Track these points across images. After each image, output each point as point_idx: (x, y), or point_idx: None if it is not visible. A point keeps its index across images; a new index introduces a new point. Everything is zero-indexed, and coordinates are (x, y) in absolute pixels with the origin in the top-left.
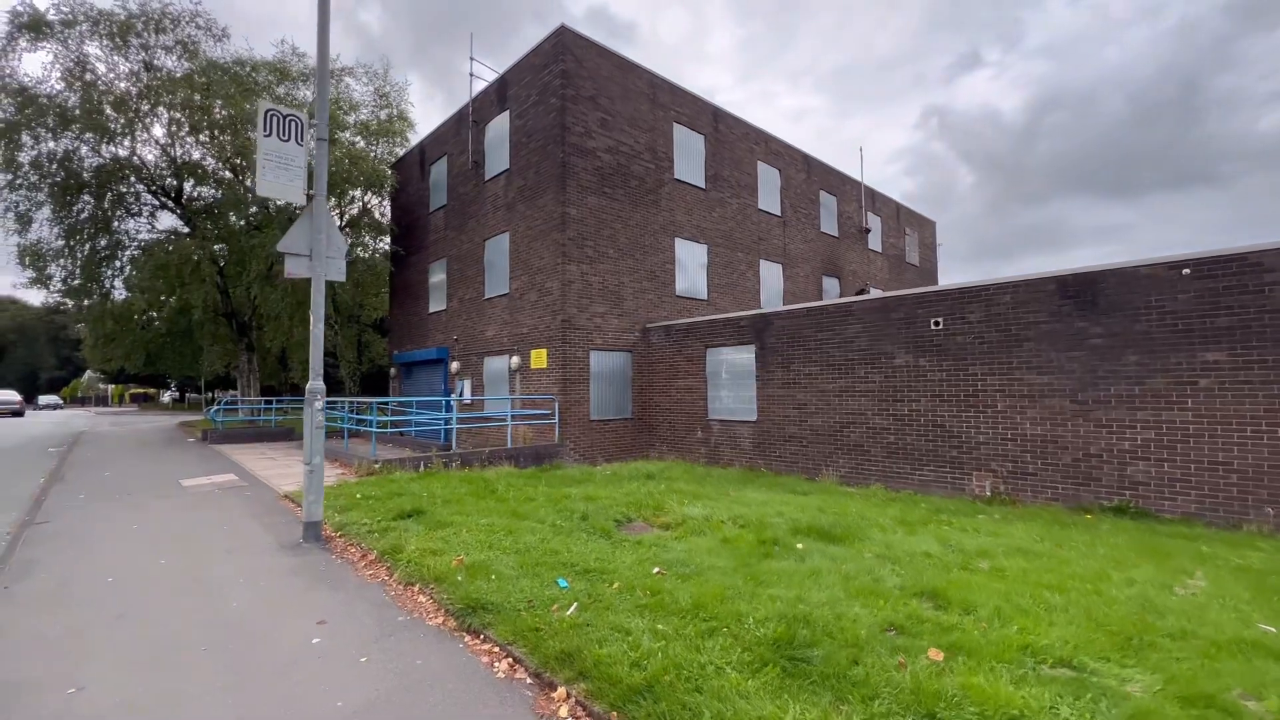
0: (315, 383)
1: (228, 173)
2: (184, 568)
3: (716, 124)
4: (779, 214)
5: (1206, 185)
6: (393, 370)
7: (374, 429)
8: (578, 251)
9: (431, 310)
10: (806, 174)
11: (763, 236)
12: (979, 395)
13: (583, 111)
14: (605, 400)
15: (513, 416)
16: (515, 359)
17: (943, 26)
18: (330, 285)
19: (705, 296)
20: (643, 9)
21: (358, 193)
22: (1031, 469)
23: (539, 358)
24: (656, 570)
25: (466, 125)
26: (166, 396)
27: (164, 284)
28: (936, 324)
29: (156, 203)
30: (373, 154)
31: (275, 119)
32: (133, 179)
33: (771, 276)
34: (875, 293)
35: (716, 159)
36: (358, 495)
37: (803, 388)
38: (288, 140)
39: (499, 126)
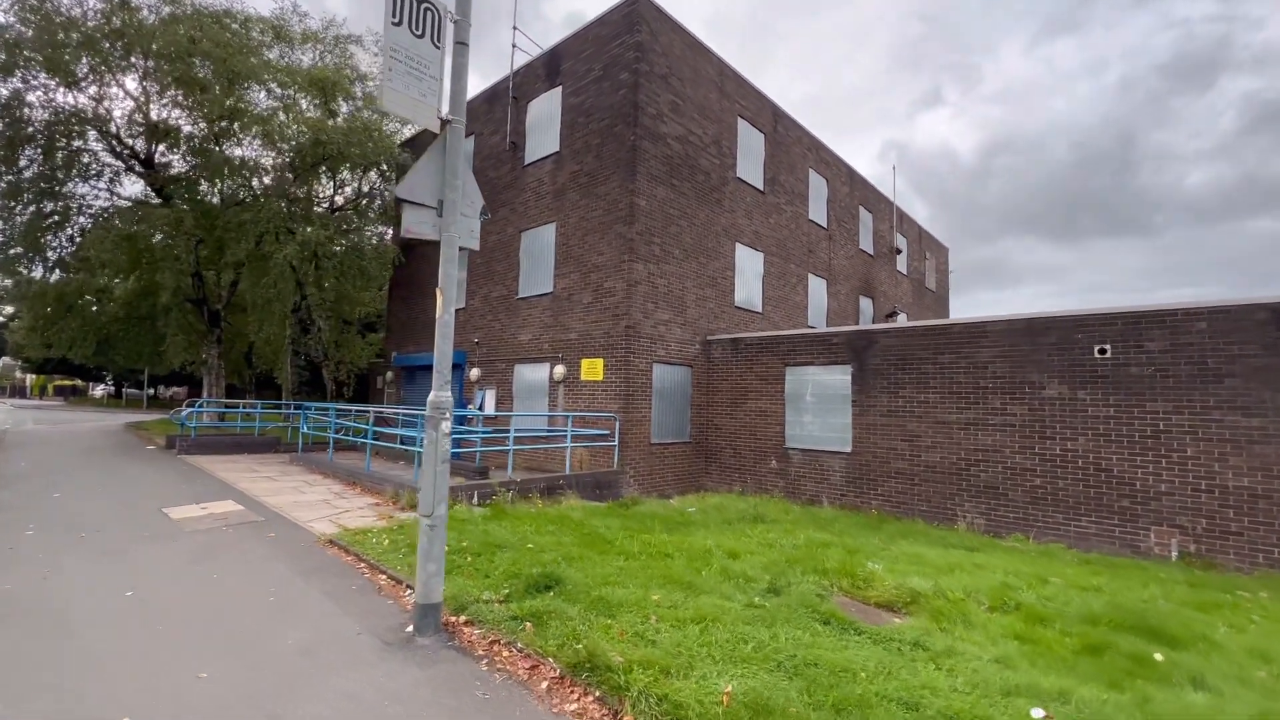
0: (442, 394)
1: (209, 141)
2: (247, 695)
3: (776, 124)
4: (825, 227)
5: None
6: (389, 374)
7: (409, 445)
8: (645, 249)
9: None
10: (850, 187)
11: (811, 249)
12: (1161, 437)
13: (656, 91)
14: (665, 421)
15: (572, 437)
16: (560, 369)
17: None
18: (303, 271)
19: (760, 309)
20: None
21: (359, 173)
22: (1235, 528)
23: (592, 368)
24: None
25: (503, 102)
26: (99, 391)
27: (128, 259)
28: (1102, 351)
29: (120, 165)
30: (386, 129)
31: (407, 3)
32: (91, 135)
33: (817, 292)
34: (901, 318)
35: (774, 161)
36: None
37: (916, 417)
38: (421, 36)
39: (546, 104)
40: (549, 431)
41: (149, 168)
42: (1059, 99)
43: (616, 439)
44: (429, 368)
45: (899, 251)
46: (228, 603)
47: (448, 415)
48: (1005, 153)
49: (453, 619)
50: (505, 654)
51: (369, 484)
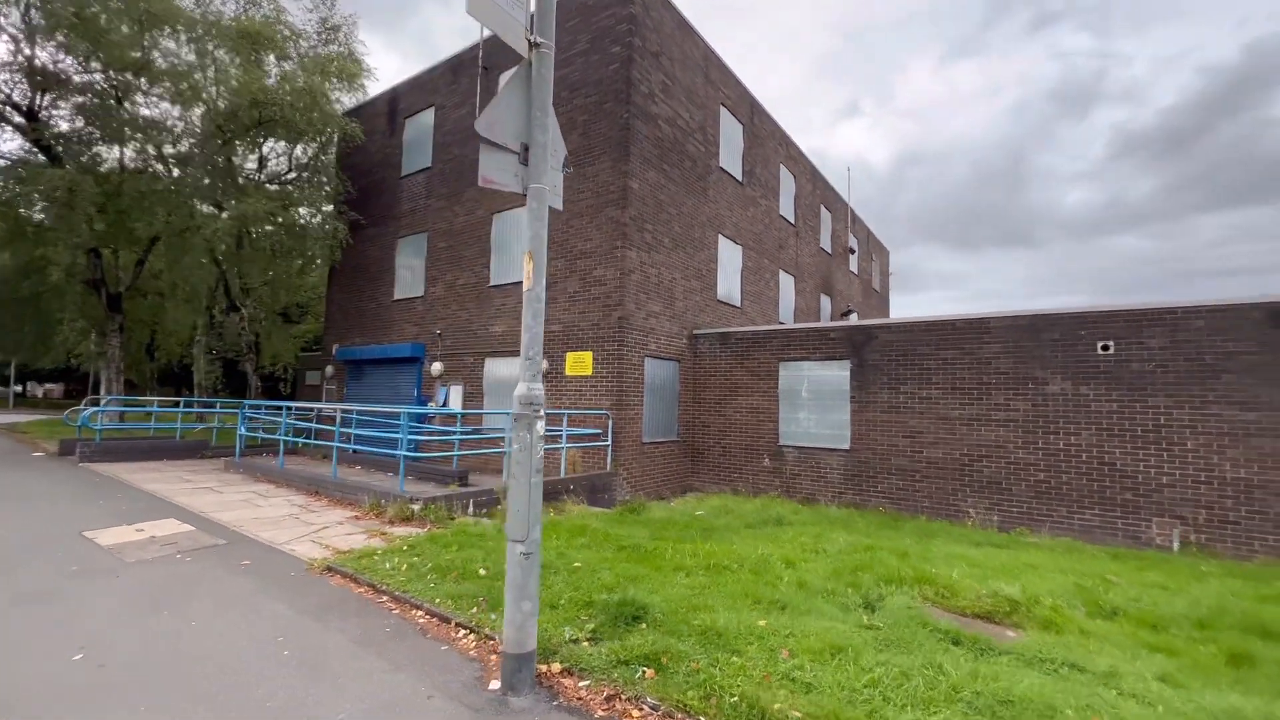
0: (532, 386)
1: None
2: None
3: (753, 115)
4: (794, 223)
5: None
6: (329, 369)
7: (403, 452)
8: (638, 235)
9: (398, 297)
10: (813, 185)
11: (783, 245)
12: (1162, 431)
13: (648, 69)
14: (656, 419)
15: (566, 437)
16: (541, 363)
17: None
18: (230, 250)
19: (739, 304)
20: None
21: (304, 143)
22: (1233, 517)
23: (579, 362)
24: None
25: (470, 72)
26: None
27: (6, 229)
28: (1105, 348)
29: None
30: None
31: None
32: None
33: (787, 288)
34: (853, 317)
35: (751, 154)
36: (480, 571)
37: (917, 413)
38: None
39: None
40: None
41: (32, 120)
42: (960, 118)
43: (610, 438)
44: (380, 362)
45: (853, 251)
46: (229, 662)
47: (541, 414)
48: (915, 165)
49: (543, 667)
50: (634, 713)
51: (338, 494)
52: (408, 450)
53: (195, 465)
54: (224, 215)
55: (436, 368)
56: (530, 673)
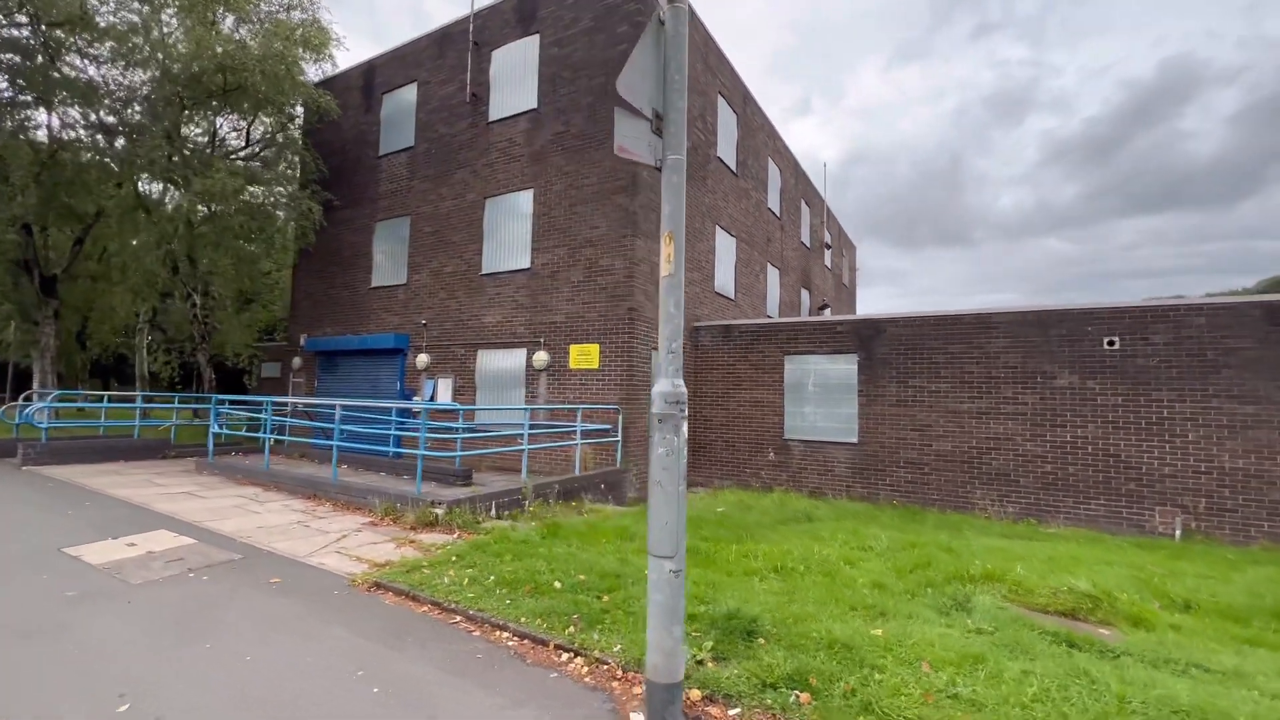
0: (676, 383)
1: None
2: None
3: (745, 105)
4: (779, 217)
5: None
6: (296, 361)
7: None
8: (646, 224)
9: (376, 284)
10: (795, 179)
11: (770, 238)
12: (1165, 424)
13: None
14: None
15: (581, 433)
16: (542, 355)
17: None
18: (187, 231)
19: (733, 296)
20: None
21: (270, 114)
22: (1231, 505)
23: (584, 355)
24: None
25: (458, 47)
26: None
27: None
28: (1110, 343)
29: None
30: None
31: None
32: None
33: (773, 282)
34: (827, 312)
35: (744, 145)
36: (554, 584)
37: (926, 406)
38: None
39: (516, 54)
40: (547, 428)
41: None
42: (905, 119)
43: (620, 434)
44: (357, 353)
45: (829, 247)
46: (313, 704)
47: (682, 411)
48: (862, 164)
49: (703, 706)
50: None
51: (342, 498)
52: (401, 449)
53: (160, 467)
54: (185, 192)
55: (423, 360)
56: (679, 704)
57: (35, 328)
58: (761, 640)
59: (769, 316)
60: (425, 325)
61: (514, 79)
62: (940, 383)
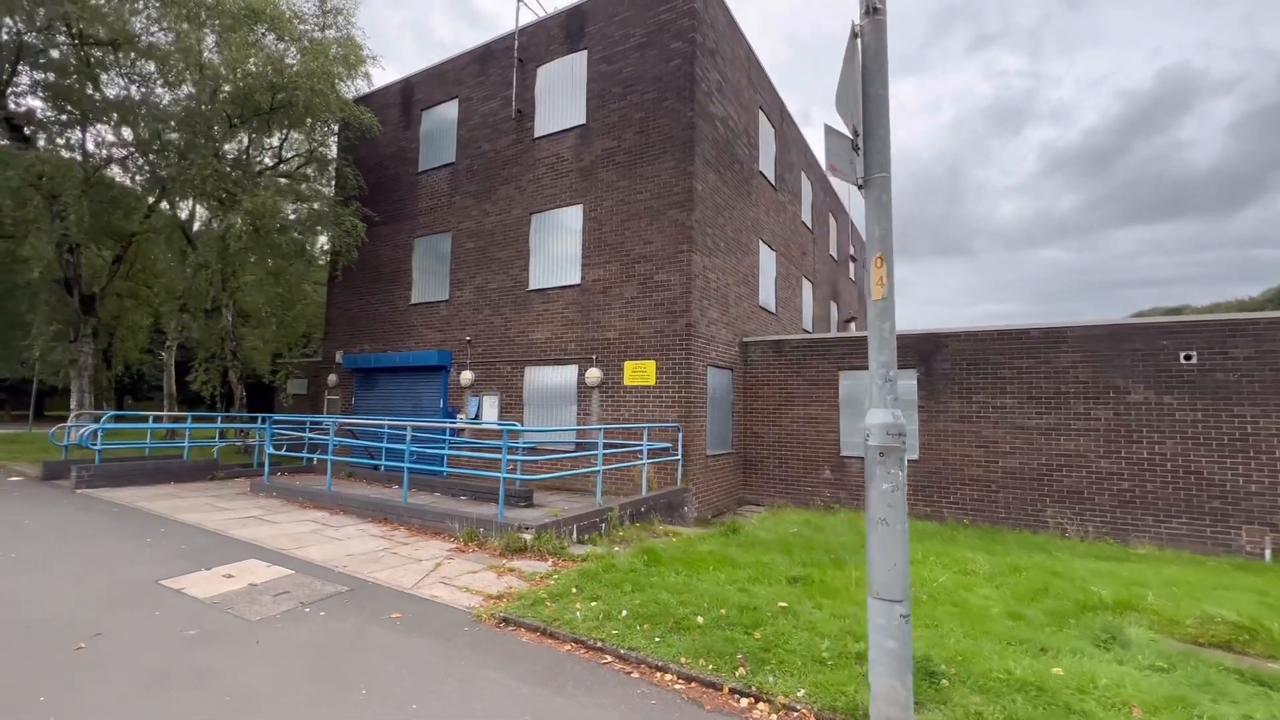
0: (894, 414)
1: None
2: None
3: (782, 119)
4: (811, 230)
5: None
6: (332, 378)
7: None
8: (701, 239)
9: (416, 300)
10: (824, 193)
11: (805, 251)
12: (1249, 440)
13: (708, 66)
14: (715, 430)
15: (639, 452)
16: (594, 372)
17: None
18: (229, 248)
19: (774, 310)
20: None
21: (314, 129)
22: None
23: (640, 372)
24: None
25: (500, 64)
26: None
27: None
28: (1188, 358)
29: None
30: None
31: None
32: None
33: (807, 295)
34: (851, 326)
35: (781, 160)
36: (697, 619)
37: (991, 423)
38: None
39: (564, 70)
40: (617, 447)
41: None
42: (903, 132)
43: (680, 452)
44: (397, 370)
45: (854, 259)
46: None
47: (905, 444)
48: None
49: None
50: None
51: (416, 521)
52: (455, 469)
53: (214, 489)
54: (234, 210)
55: (467, 377)
56: None
57: (70, 346)
58: (945, 681)
59: (805, 330)
60: (469, 342)
61: (560, 95)
62: (1006, 398)
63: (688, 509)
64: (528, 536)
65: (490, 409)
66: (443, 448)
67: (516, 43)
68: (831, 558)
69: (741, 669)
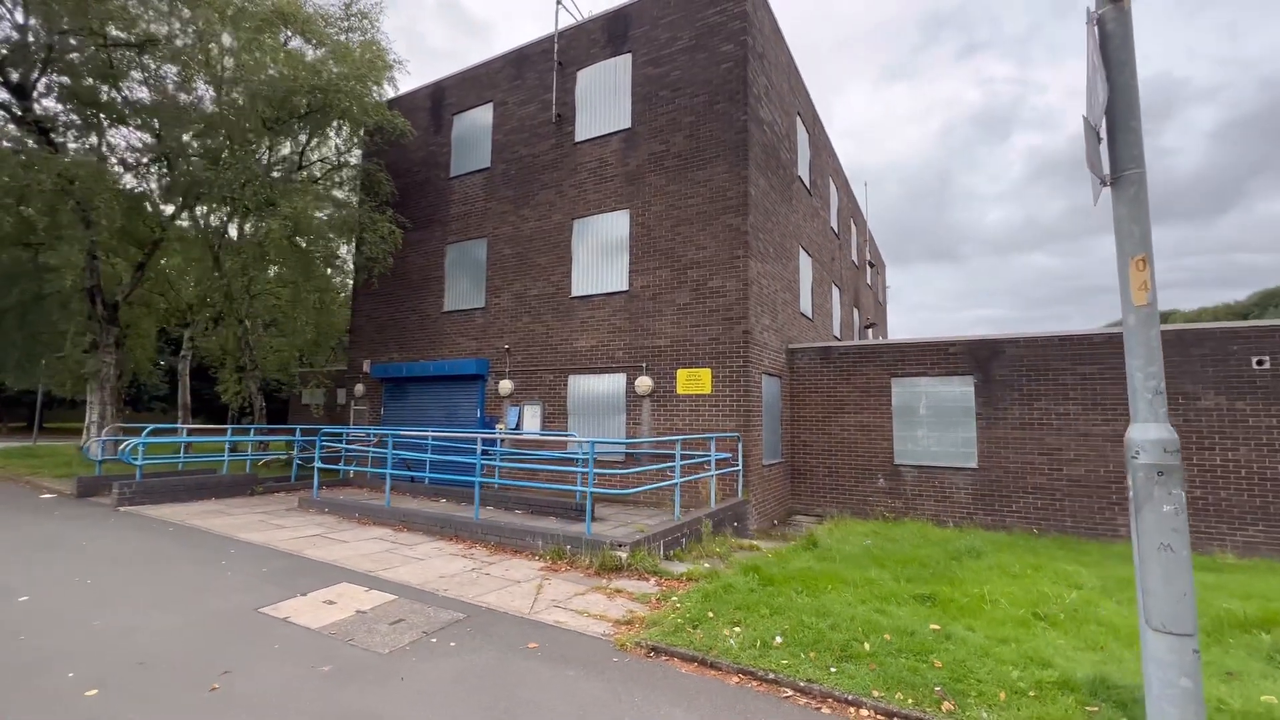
0: (1168, 429)
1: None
2: None
3: (815, 125)
4: (838, 235)
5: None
6: (359, 388)
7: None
8: (756, 244)
9: (450, 308)
10: (846, 197)
11: (834, 257)
12: None
13: (758, 70)
14: (769, 440)
15: (677, 465)
16: (645, 380)
17: None
18: (266, 254)
19: (811, 316)
20: (495, 8)
21: (345, 133)
22: None
23: (694, 380)
24: None
25: (538, 68)
26: None
27: (12, 226)
28: (1260, 362)
29: None
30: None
31: None
32: None
33: (835, 300)
34: (869, 332)
35: (814, 165)
36: (863, 644)
37: (1054, 430)
38: None
39: (606, 73)
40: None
41: (22, 98)
42: (892, 140)
43: (741, 463)
44: (431, 380)
45: (872, 265)
46: None
47: (1180, 460)
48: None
49: None
50: None
51: (493, 539)
52: (505, 481)
53: (260, 505)
54: (272, 216)
55: (506, 386)
56: None
57: (94, 356)
58: None
59: (835, 336)
60: (508, 350)
61: (603, 98)
62: (1070, 404)
63: (749, 521)
64: (623, 555)
65: (532, 419)
66: (494, 459)
67: (556, 46)
68: (931, 572)
69: (947, 703)
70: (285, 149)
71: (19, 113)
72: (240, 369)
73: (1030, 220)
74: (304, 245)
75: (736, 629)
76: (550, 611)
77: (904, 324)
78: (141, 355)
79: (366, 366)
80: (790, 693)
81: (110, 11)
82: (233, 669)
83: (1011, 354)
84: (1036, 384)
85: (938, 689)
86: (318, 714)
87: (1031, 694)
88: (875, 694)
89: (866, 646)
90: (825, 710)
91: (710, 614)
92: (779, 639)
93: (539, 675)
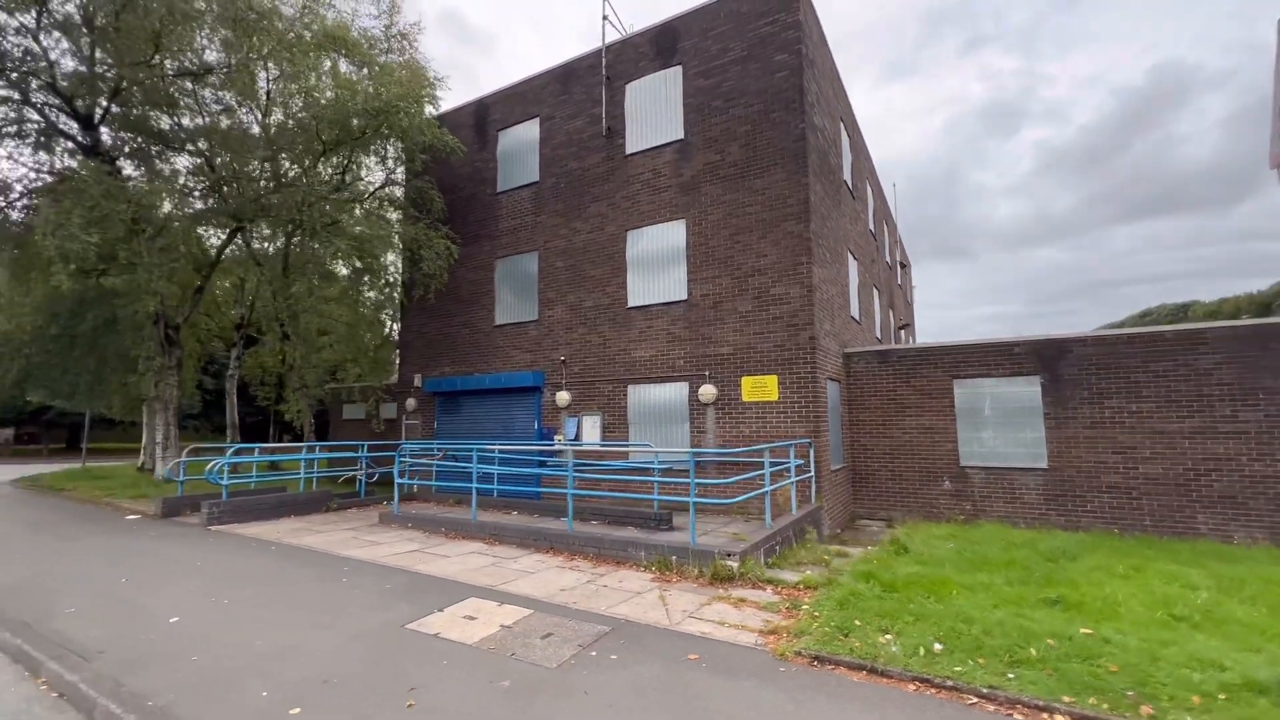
0: None
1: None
2: None
3: (854, 127)
4: (875, 238)
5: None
6: (411, 402)
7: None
8: (819, 250)
9: (501, 321)
10: (880, 200)
11: (873, 259)
12: None
13: (810, 77)
14: (833, 445)
15: (767, 471)
16: (709, 389)
17: None
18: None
19: (859, 319)
20: (498, 19)
21: (395, 153)
22: None
23: (760, 387)
24: None
25: (585, 82)
26: None
27: (96, 251)
28: None
29: (41, 121)
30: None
31: None
32: (13, 74)
33: (875, 302)
34: (902, 333)
35: (855, 168)
36: (1029, 650)
37: (1127, 428)
38: None
39: (656, 86)
40: (770, 465)
41: (89, 129)
42: (898, 135)
43: (813, 468)
44: (486, 393)
45: (904, 266)
46: None
47: None
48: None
49: None
50: None
51: (589, 550)
52: (578, 491)
53: (340, 521)
54: (346, 235)
55: (563, 397)
56: None
57: (158, 378)
58: None
59: (876, 339)
60: (564, 361)
61: (653, 110)
62: (1143, 402)
63: (823, 527)
64: (734, 564)
65: (591, 429)
66: (565, 470)
67: (604, 60)
68: (1037, 575)
69: (1145, 707)
70: (343, 170)
71: (86, 142)
72: (302, 387)
73: (1040, 214)
74: (361, 264)
75: (887, 636)
76: (688, 623)
77: (919, 324)
78: (188, 376)
79: (418, 381)
80: (974, 699)
81: (177, 42)
82: (417, 686)
83: (1079, 353)
84: (1107, 382)
85: (1129, 693)
86: None
87: (1222, 697)
88: (1066, 699)
89: (1033, 652)
90: (1017, 717)
91: (856, 622)
92: (938, 646)
93: (714, 686)
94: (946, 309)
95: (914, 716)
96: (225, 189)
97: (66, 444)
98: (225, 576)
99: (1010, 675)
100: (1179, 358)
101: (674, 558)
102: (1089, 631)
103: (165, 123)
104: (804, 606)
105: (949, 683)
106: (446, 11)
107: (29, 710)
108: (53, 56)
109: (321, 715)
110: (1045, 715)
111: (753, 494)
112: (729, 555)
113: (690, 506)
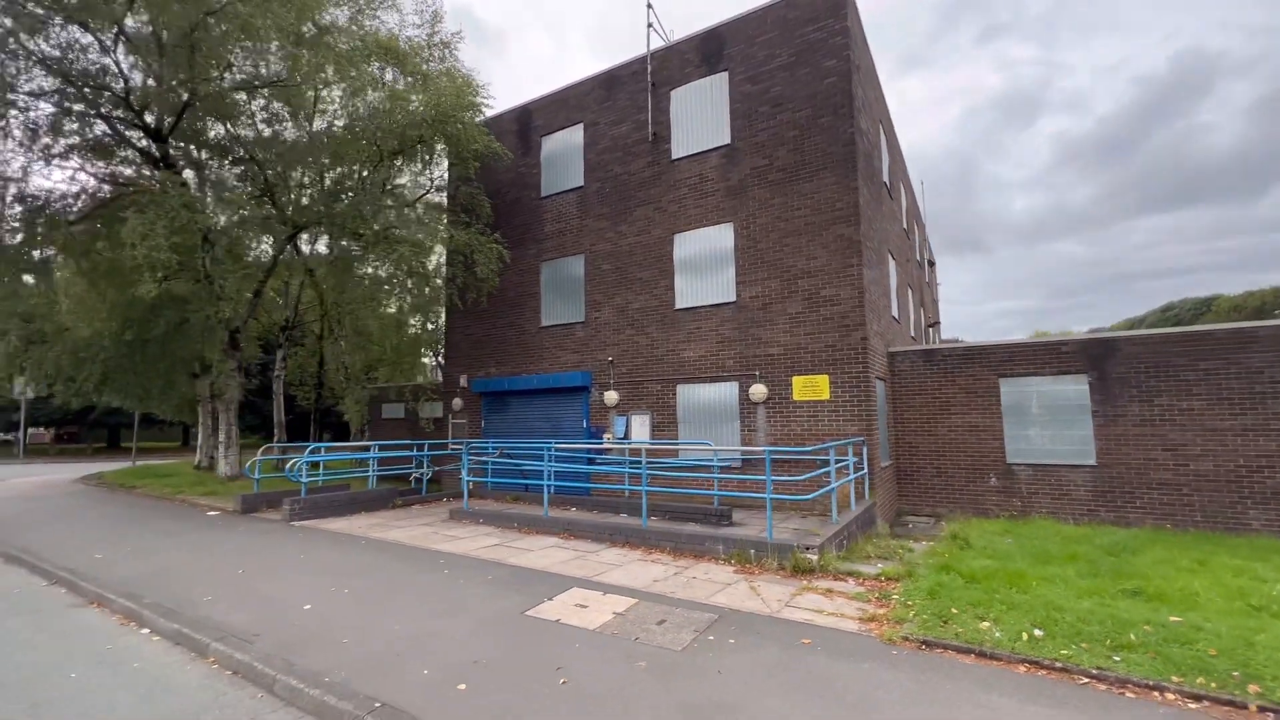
0: None
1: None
2: None
3: (890, 128)
4: (909, 237)
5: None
6: (457, 402)
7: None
8: (867, 251)
9: (547, 323)
10: (912, 198)
11: (908, 258)
12: None
13: (857, 82)
14: (881, 442)
15: (832, 468)
16: (759, 388)
17: None
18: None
19: (899, 319)
20: (509, 18)
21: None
22: None
23: (810, 387)
24: None
25: (629, 89)
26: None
27: (176, 258)
28: None
29: (110, 134)
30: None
31: None
32: (87, 89)
33: (910, 302)
34: (931, 331)
35: (892, 170)
36: (1128, 635)
37: (1178, 426)
38: None
39: (701, 92)
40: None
41: (159, 141)
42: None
43: (866, 466)
44: (533, 393)
45: (932, 264)
46: None
47: None
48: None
49: None
50: None
51: (665, 544)
52: (637, 487)
53: (410, 517)
54: (408, 242)
55: (611, 397)
56: None
57: (207, 381)
58: None
59: (912, 338)
60: (612, 362)
61: (699, 116)
62: (1193, 400)
63: (876, 523)
64: (813, 557)
65: (640, 428)
66: (623, 466)
67: (650, 67)
68: (1106, 568)
69: (1253, 685)
70: (403, 178)
71: (156, 154)
72: (359, 384)
73: (1058, 207)
74: (408, 268)
75: (986, 623)
76: (787, 611)
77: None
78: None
79: (464, 381)
80: (1085, 680)
81: (248, 57)
82: (561, 666)
83: (1128, 352)
84: (1156, 380)
85: (1234, 674)
86: (678, 704)
87: None
88: (1174, 679)
89: (1132, 637)
90: (1129, 694)
91: (953, 610)
92: (1038, 632)
93: (836, 668)
94: (960, 305)
95: (1030, 693)
96: (281, 198)
97: (107, 443)
98: (332, 569)
99: (1115, 658)
100: (1230, 356)
101: (752, 551)
102: (1179, 619)
103: (219, 132)
104: (894, 597)
105: (1058, 664)
106: (456, 11)
107: (212, 685)
108: (125, 71)
109: (487, 690)
110: (1156, 694)
111: (823, 490)
112: (808, 549)
113: (766, 503)
